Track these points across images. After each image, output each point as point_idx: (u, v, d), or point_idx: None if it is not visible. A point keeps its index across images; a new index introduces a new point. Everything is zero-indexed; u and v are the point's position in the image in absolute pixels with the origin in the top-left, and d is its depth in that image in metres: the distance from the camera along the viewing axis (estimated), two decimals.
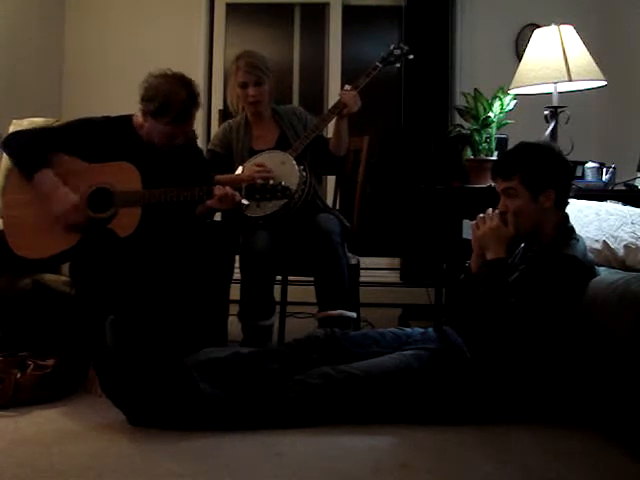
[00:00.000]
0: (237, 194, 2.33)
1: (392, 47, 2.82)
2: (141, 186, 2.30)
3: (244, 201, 2.35)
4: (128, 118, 2.45)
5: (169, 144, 2.38)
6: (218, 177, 2.59)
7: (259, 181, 2.39)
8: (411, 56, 2.83)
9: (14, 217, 2.32)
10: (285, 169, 2.63)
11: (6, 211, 2.34)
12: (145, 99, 2.33)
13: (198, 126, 2.60)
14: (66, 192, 2.26)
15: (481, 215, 2.09)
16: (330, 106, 2.78)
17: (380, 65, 2.78)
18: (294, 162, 2.64)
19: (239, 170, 2.70)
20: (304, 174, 2.63)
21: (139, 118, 2.41)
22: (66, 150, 2.33)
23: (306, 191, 2.62)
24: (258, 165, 2.63)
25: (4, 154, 2.63)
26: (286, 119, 2.85)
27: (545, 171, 1.99)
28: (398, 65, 2.85)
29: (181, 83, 2.33)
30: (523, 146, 2.06)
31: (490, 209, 2.08)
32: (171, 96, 2.29)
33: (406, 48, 2.82)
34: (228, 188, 2.33)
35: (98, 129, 2.39)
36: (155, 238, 2.34)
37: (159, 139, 2.37)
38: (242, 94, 2.78)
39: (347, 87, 2.72)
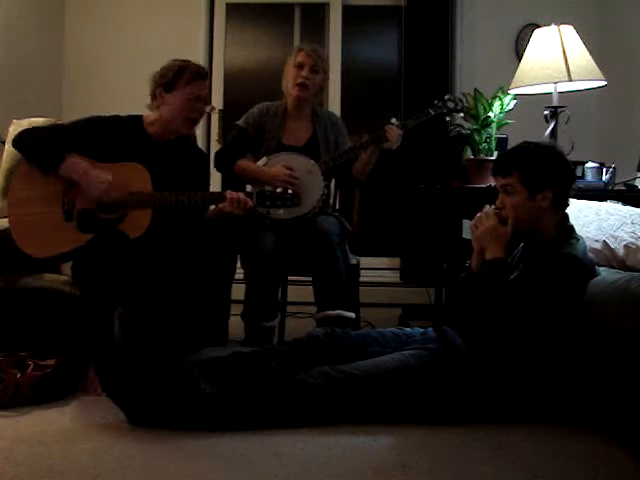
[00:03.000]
0: (249, 200, 2.34)
1: (447, 97, 2.82)
2: (151, 187, 2.30)
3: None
4: (138, 118, 2.45)
5: (191, 116, 2.39)
6: (242, 165, 2.65)
7: (268, 188, 2.40)
8: (461, 115, 2.84)
9: (20, 215, 2.29)
10: (310, 179, 2.64)
11: (12, 209, 2.31)
12: (161, 76, 2.38)
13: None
14: (99, 171, 2.26)
15: (479, 215, 2.09)
16: (371, 134, 2.68)
17: (432, 112, 2.77)
18: (321, 177, 2.66)
19: (263, 161, 2.69)
20: (325, 191, 2.66)
21: (151, 116, 2.42)
22: (76, 148, 2.31)
23: (320, 205, 2.66)
24: (289, 169, 2.63)
25: (4, 154, 2.63)
26: (322, 123, 2.84)
27: (544, 170, 1.99)
28: (448, 119, 2.86)
29: (193, 62, 2.45)
30: (525, 145, 2.06)
31: (487, 205, 2.09)
32: (184, 64, 2.39)
33: (461, 104, 2.82)
34: (241, 194, 2.34)
35: (108, 128, 2.38)
36: (164, 240, 2.34)
37: (180, 108, 2.36)
38: (295, 73, 2.77)
39: (395, 122, 2.68)
